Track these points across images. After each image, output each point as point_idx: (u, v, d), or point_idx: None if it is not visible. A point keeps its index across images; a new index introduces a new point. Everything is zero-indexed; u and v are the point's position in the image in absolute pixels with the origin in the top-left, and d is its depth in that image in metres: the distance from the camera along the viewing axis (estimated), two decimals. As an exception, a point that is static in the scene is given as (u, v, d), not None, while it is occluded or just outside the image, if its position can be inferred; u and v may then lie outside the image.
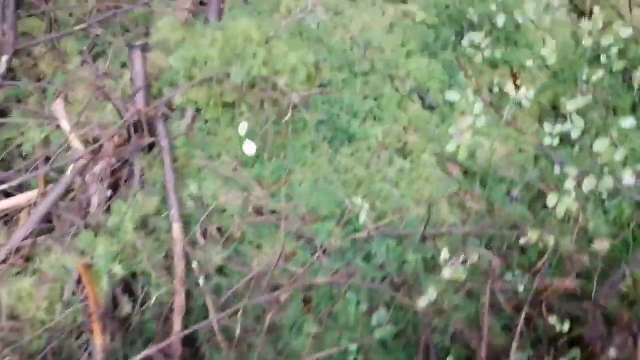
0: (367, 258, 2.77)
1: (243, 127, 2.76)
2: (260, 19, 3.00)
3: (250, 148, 2.74)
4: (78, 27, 3.13)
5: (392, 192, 2.95)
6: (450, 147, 2.55)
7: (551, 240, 2.41)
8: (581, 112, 2.52)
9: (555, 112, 3.32)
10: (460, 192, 2.99)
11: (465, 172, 3.05)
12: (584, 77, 2.96)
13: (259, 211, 2.84)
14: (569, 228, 2.62)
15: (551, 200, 2.41)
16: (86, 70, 3.06)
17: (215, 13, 3.11)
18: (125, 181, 2.79)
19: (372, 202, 2.94)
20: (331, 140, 3.04)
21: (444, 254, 2.41)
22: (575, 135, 2.60)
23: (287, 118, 2.83)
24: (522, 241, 2.52)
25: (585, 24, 2.93)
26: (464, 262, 2.44)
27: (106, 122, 2.89)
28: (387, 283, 2.68)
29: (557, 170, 2.82)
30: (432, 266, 2.67)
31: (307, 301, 2.70)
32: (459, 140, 2.51)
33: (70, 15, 3.33)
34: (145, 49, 2.94)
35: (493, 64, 3.24)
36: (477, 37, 3.13)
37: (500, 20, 3.06)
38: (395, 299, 2.53)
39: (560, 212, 2.39)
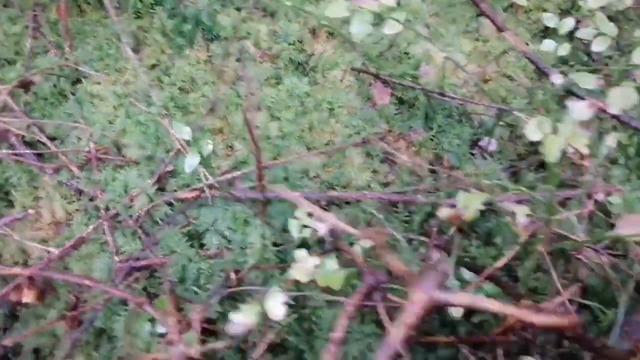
0: (195, 236, 1.49)
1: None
2: None
3: None
4: None
5: (267, 127, 1.66)
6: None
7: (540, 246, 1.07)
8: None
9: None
10: (390, 135, 1.69)
11: (401, 101, 1.74)
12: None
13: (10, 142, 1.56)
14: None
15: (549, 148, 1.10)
16: None
17: None
18: None
19: (225, 141, 1.66)
20: (172, 34, 1.75)
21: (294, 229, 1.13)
22: (599, 46, 1.53)
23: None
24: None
25: None
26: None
27: None
28: (217, 285, 1.40)
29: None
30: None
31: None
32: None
33: None
34: None
35: None
36: None
37: None
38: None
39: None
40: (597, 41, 1.58)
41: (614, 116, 1.60)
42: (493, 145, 1.70)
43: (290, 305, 1.39)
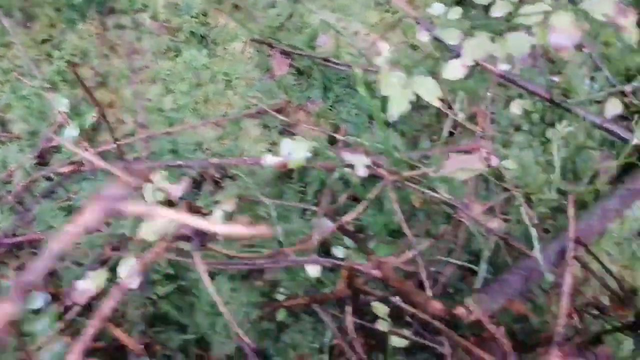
0: (75, 211, 1.44)
1: None
2: None
3: None
4: None
5: (161, 100, 1.62)
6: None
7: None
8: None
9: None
10: (289, 106, 1.65)
11: (299, 72, 1.71)
12: None
13: None
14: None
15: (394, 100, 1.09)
16: None
17: None
18: None
19: (116, 114, 1.61)
20: (64, 8, 1.69)
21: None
22: (497, 12, 1.47)
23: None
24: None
25: None
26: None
27: None
28: (92, 259, 1.35)
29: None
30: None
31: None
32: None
33: None
34: None
35: None
36: None
37: None
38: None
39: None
40: (495, 6, 1.57)
41: (507, 79, 1.58)
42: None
43: (168, 277, 1.36)
